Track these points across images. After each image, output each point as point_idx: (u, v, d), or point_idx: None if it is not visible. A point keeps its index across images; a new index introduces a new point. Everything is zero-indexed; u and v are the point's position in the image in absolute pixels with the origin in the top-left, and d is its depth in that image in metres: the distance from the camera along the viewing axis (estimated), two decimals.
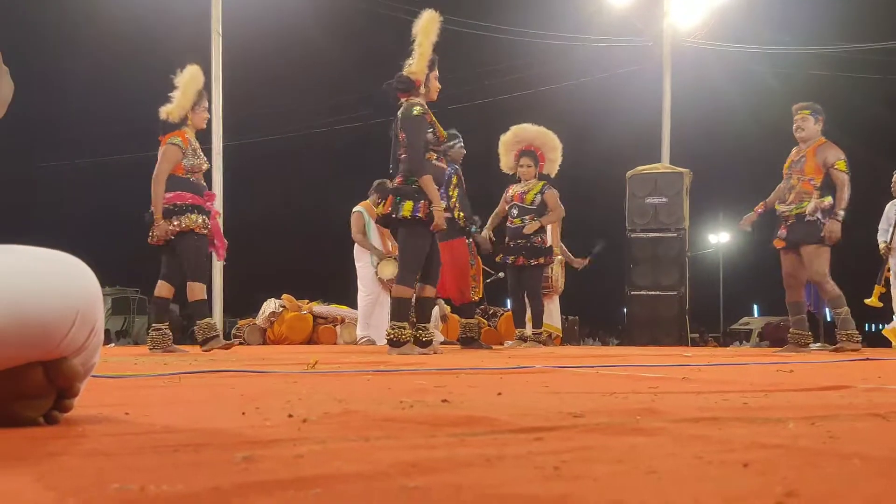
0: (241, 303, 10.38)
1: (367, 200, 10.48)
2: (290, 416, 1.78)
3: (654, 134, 20.06)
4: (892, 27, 25.99)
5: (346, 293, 10.90)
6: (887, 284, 9.65)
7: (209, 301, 7.57)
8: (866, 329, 42.85)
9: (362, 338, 10.55)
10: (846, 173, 7.25)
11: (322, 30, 23.02)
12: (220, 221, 7.18)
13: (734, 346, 23.90)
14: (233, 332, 11.96)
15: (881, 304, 9.59)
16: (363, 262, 10.39)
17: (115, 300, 28.05)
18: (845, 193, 7.23)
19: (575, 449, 1.35)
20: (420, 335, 6.45)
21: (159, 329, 7.07)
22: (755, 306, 51.58)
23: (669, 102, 19.84)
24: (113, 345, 16.23)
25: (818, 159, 7.33)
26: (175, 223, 6.82)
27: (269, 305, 11.71)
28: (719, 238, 48.82)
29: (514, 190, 9.17)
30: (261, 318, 11.66)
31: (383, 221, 6.62)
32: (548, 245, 9.29)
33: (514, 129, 9.18)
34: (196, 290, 6.96)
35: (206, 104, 7.25)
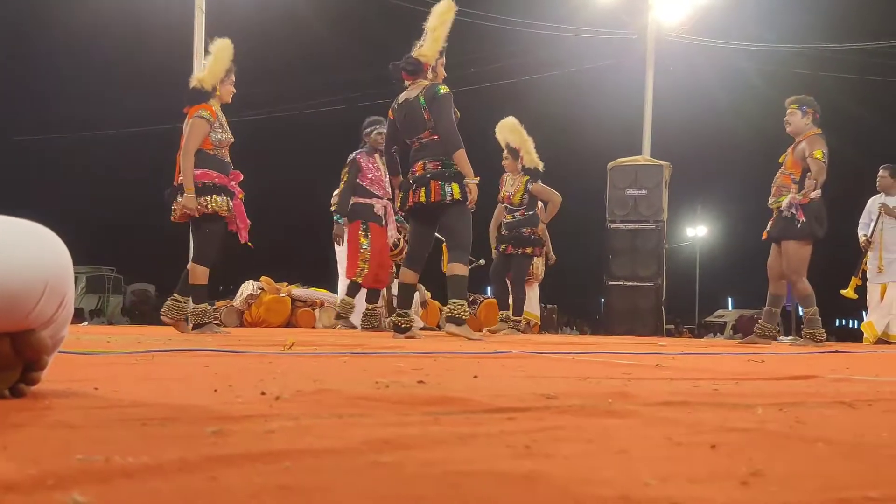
0: (218, 285, 10.38)
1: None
2: (263, 393, 1.77)
3: (636, 126, 20.13)
4: (871, 29, 26.17)
5: (325, 276, 10.89)
6: (864, 277, 9.74)
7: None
8: (836, 324, 43.36)
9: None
10: (822, 161, 7.17)
11: (309, 10, 22.89)
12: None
13: (708, 337, 24.04)
14: None
15: (856, 296, 9.70)
16: (343, 247, 10.36)
17: (90, 279, 27.81)
18: (816, 178, 7.12)
19: (547, 429, 1.35)
20: (399, 321, 6.46)
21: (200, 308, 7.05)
22: (730, 299, 51.95)
23: (652, 96, 19.91)
24: (86, 324, 16.14)
25: (797, 153, 7.34)
26: (202, 203, 6.68)
27: (247, 287, 11.66)
28: (696, 231, 49.13)
29: (504, 190, 9.66)
30: (238, 301, 11.62)
31: (420, 209, 6.39)
32: (537, 236, 9.49)
33: (497, 126, 9.49)
34: (198, 274, 6.83)
35: (234, 78, 7.02)
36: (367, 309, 8.74)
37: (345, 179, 8.37)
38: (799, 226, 7.25)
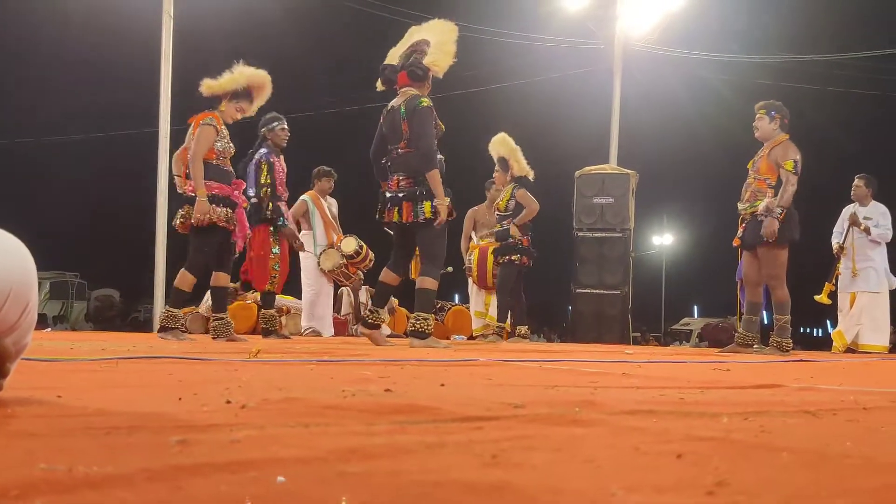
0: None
1: (313, 190, 10.41)
2: (229, 402, 1.76)
3: (604, 135, 20.25)
4: (830, 41, 26.52)
5: (291, 283, 10.83)
6: (837, 283, 9.84)
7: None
8: (801, 332, 43.80)
9: (307, 329, 10.51)
10: (793, 172, 7.21)
11: (279, 17, 22.84)
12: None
13: (674, 345, 24.20)
14: None
15: (829, 302, 9.80)
16: (306, 254, 10.34)
17: (54, 284, 27.49)
18: (787, 191, 7.17)
19: (514, 438, 1.35)
20: (369, 317, 6.53)
21: (221, 318, 7.10)
22: (695, 307, 52.36)
23: (619, 105, 20.05)
24: (50, 330, 15.97)
25: (771, 158, 7.33)
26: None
27: None
28: (663, 239, 49.48)
29: (490, 196, 10.13)
30: (203, 307, 11.53)
31: (395, 225, 6.51)
32: (525, 246, 9.58)
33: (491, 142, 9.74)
34: (185, 280, 6.88)
35: (244, 108, 7.09)
36: (263, 313, 8.44)
37: (268, 182, 7.97)
38: (780, 229, 7.24)
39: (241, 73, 7.02)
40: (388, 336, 9.64)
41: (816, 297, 9.81)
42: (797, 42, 29.03)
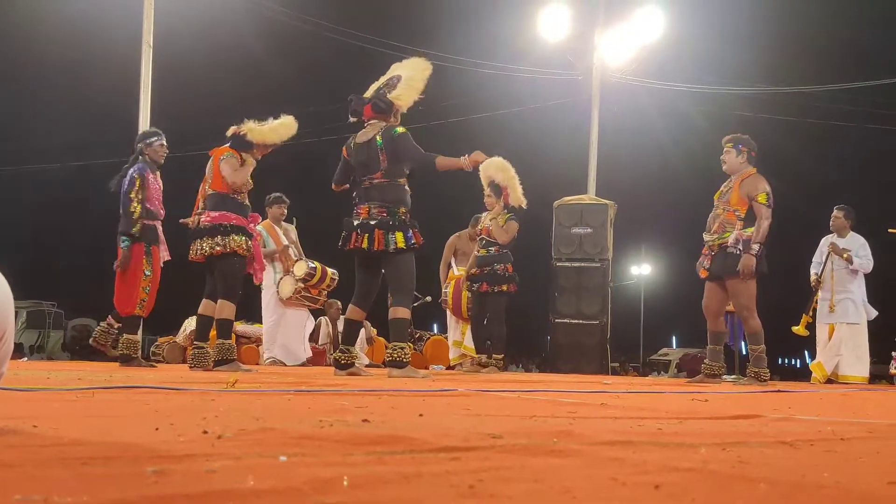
0: (161, 320, 10.22)
1: (267, 220, 10.40)
2: (205, 432, 1.75)
3: (582, 165, 20.34)
4: (808, 72, 26.84)
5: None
6: (815, 315, 9.87)
7: None
8: (779, 362, 43.95)
9: (268, 359, 10.47)
10: (766, 206, 7.25)
11: (257, 44, 22.89)
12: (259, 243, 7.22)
13: (653, 375, 24.22)
14: (152, 349, 11.73)
15: (807, 333, 9.82)
16: (266, 284, 10.31)
17: (31, 314, 27.25)
18: (762, 226, 7.22)
19: (492, 468, 1.35)
20: (341, 357, 6.46)
21: (202, 348, 7.05)
22: (674, 338, 52.46)
23: (597, 135, 20.16)
24: (26, 359, 15.81)
25: (742, 191, 7.34)
26: (220, 243, 6.87)
27: (190, 323, 11.47)
28: (641, 270, 49.63)
29: (482, 223, 9.84)
30: (181, 336, 11.46)
31: (362, 254, 6.43)
32: (511, 273, 9.51)
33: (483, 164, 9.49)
34: (226, 310, 6.97)
35: (264, 152, 7.23)
36: (105, 322, 8.18)
37: (139, 198, 7.63)
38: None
39: (290, 125, 7.24)
40: (367, 366, 9.60)
41: (794, 329, 9.84)
42: (774, 73, 29.34)
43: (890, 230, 9.19)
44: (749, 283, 7.33)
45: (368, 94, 6.64)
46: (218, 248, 6.86)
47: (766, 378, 7.39)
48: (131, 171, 7.72)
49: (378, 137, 6.34)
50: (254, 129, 7.02)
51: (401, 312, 6.36)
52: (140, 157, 7.82)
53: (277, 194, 10.51)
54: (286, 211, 10.58)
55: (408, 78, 6.58)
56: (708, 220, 7.72)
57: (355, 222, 6.39)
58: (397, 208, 6.33)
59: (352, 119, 6.65)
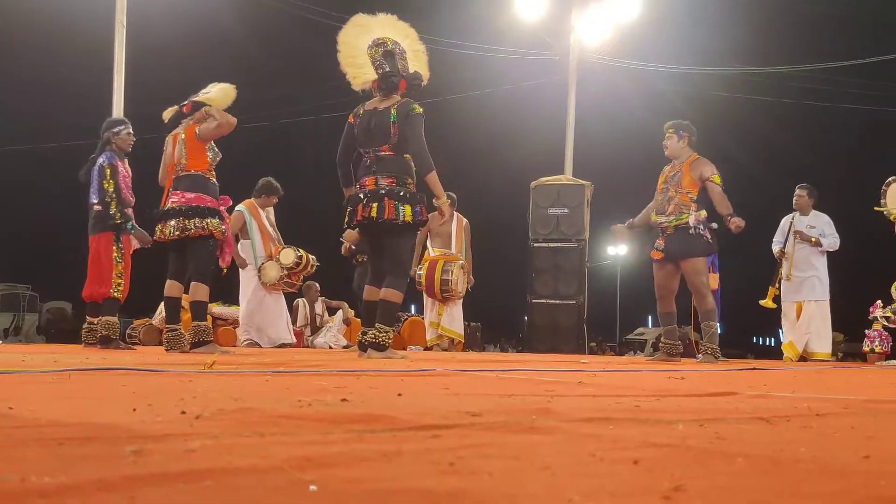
0: (136, 303, 10.15)
1: (251, 199, 10.34)
2: (183, 412, 1.74)
3: (559, 146, 20.35)
4: (783, 52, 26.93)
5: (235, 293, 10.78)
6: (780, 287, 9.96)
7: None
8: (753, 341, 44.29)
9: (245, 340, 10.43)
10: (720, 185, 7.48)
11: (233, 24, 22.71)
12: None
13: (629, 355, 24.36)
14: (128, 332, 11.67)
15: (774, 305, 9.92)
16: (247, 267, 10.27)
17: (5, 296, 26.98)
18: (725, 200, 7.44)
19: (471, 446, 1.35)
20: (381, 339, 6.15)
21: (175, 330, 7.03)
22: (649, 318, 52.71)
23: (574, 116, 20.16)
24: (1, 342, 15.72)
25: (694, 174, 7.54)
26: (199, 225, 6.82)
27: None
28: (617, 250, 49.78)
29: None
30: (157, 319, 11.41)
31: (369, 225, 6.19)
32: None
33: None
34: (200, 292, 6.95)
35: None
36: (87, 323, 8.22)
37: (112, 187, 7.59)
38: (705, 242, 7.47)
39: (229, 92, 7.20)
40: (344, 347, 9.60)
41: (761, 302, 9.95)
42: (750, 54, 29.45)
43: (876, 208, 9.23)
44: (703, 262, 7.54)
45: (348, 50, 6.51)
46: (195, 230, 6.81)
47: (719, 354, 7.54)
48: (100, 160, 7.68)
49: (393, 110, 6.18)
50: (213, 100, 7.06)
51: (392, 296, 6.12)
52: (106, 146, 7.79)
53: (276, 185, 10.38)
54: (275, 201, 10.48)
55: (412, 49, 6.51)
56: (647, 208, 7.94)
57: (360, 194, 6.16)
58: (405, 179, 6.17)
59: (361, 88, 6.49)
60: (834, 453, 1.42)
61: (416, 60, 6.52)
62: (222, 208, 7.03)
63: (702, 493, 1.00)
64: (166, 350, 6.99)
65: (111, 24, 15.36)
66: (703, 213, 7.49)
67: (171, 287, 7.08)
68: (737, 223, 7.32)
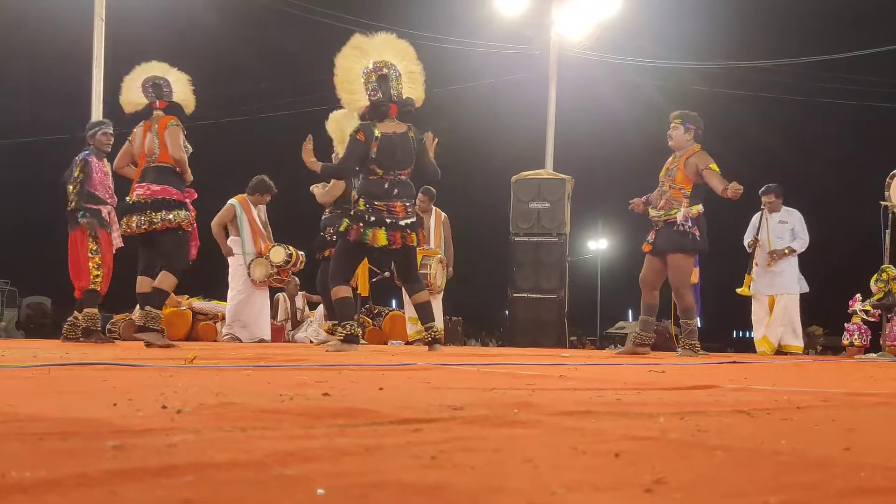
0: (116, 298, 10.09)
1: (244, 195, 10.31)
2: (164, 407, 1.73)
3: (540, 140, 20.35)
4: (762, 48, 27.06)
5: (226, 289, 10.71)
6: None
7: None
8: (733, 335, 44.51)
9: (226, 335, 10.40)
10: (718, 172, 7.34)
11: (212, 19, 22.59)
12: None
13: (610, 348, 24.41)
14: (108, 326, 11.59)
15: (750, 293, 9.98)
16: (236, 259, 10.24)
17: None
18: (723, 182, 7.23)
19: (453, 439, 1.35)
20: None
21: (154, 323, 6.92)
22: (630, 311, 52.91)
23: (554, 110, 20.16)
24: None
25: (688, 170, 7.44)
26: (167, 218, 6.72)
27: None
28: (598, 244, 49.94)
29: None
30: (137, 313, 11.35)
31: (382, 253, 7.00)
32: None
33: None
34: (167, 281, 6.79)
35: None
36: (72, 317, 8.24)
37: (78, 178, 7.79)
38: (692, 239, 7.42)
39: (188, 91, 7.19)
40: (324, 342, 9.57)
41: (738, 290, 10.01)
42: (730, 49, 29.53)
43: (882, 202, 9.27)
44: (689, 260, 7.58)
45: (346, 77, 6.58)
46: (164, 223, 6.71)
47: (698, 351, 7.56)
48: (76, 157, 7.89)
49: (411, 134, 6.49)
50: (185, 103, 7.08)
51: (424, 296, 6.88)
52: (87, 146, 8.00)
53: (270, 183, 10.34)
54: (268, 199, 10.45)
55: (409, 73, 6.66)
56: (653, 196, 7.83)
57: (387, 220, 6.46)
58: (415, 206, 6.70)
59: (360, 111, 6.65)
60: (814, 446, 1.43)
61: (412, 83, 6.68)
62: (188, 201, 6.96)
63: (683, 486, 1.00)
64: (136, 333, 6.90)
65: (90, 18, 15.26)
66: (696, 209, 7.43)
67: (142, 283, 7.01)
68: (734, 188, 7.13)
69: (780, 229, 9.90)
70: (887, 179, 9.23)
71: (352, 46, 6.67)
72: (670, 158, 7.71)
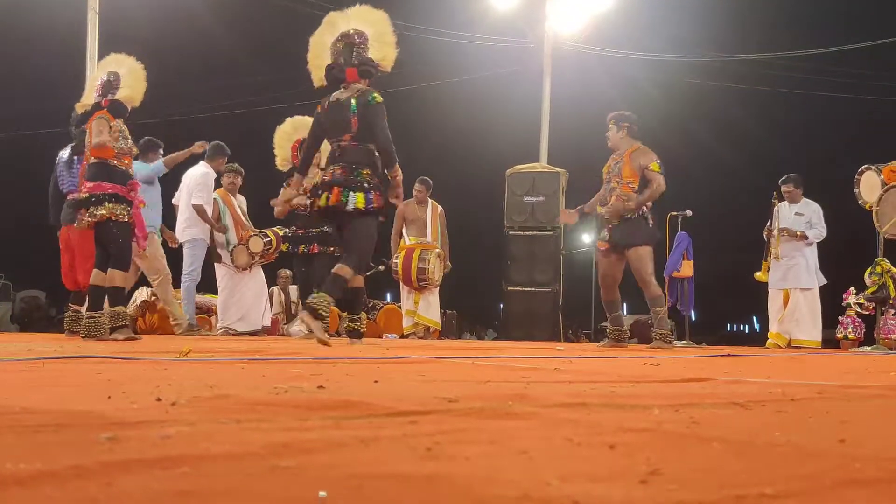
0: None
1: (222, 188, 10.29)
2: (159, 399, 1.73)
3: (534, 133, 20.33)
4: (758, 42, 27.05)
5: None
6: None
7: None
8: (728, 328, 44.57)
9: (221, 328, 10.39)
10: (660, 173, 7.58)
11: (207, 12, 22.53)
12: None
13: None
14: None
15: (767, 279, 10.01)
16: (220, 255, 10.23)
17: None
18: (654, 190, 7.54)
19: (449, 431, 1.35)
20: (356, 326, 6.57)
21: (93, 318, 6.87)
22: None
23: (548, 103, 20.15)
24: None
25: (633, 164, 7.64)
26: (99, 212, 6.68)
27: (141, 294, 11.37)
28: (593, 238, 49.96)
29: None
30: (132, 307, 11.31)
31: (323, 214, 6.35)
32: None
33: (291, 120, 9.11)
34: (117, 278, 6.79)
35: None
36: (71, 310, 8.21)
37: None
38: (647, 228, 7.60)
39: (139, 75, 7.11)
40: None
41: (756, 275, 10.03)
42: (725, 43, 29.53)
43: (861, 202, 9.30)
44: (647, 251, 7.62)
45: (317, 51, 6.50)
46: (94, 218, 6.70)
47: (671, 340, 7.77)
48: (62, 154, 7.94)
49: (353, 100, 6.20)
50: (132, 98, 7.02)
51: (356, 281, 6.29)
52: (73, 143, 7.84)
53: (232, 165, 10.35)
54: (240, 181, 10.42)
55: (378, 34, 6.44)
56: (599, 195, 7.98)
57: (319, 187, 6.26)
58: (361, 169, 6.17)
59: (320, 84, 6.46)
60: (809, 437, 1.43)
61: (380, 44, 6.44)
62: (131, 194, 6.88)
63: (678, 477, 1.00)
64: (82, 337, 6.80)
65: (84, 11, 15.21)
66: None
67: (95, 275, 7.00)
68: (621, 207, 7.48)
69: (796, 221, 9.88)
70: (856, 176, 9.28)
71: (324, 23, 6.56)
72: (611, 158, 7.93)
